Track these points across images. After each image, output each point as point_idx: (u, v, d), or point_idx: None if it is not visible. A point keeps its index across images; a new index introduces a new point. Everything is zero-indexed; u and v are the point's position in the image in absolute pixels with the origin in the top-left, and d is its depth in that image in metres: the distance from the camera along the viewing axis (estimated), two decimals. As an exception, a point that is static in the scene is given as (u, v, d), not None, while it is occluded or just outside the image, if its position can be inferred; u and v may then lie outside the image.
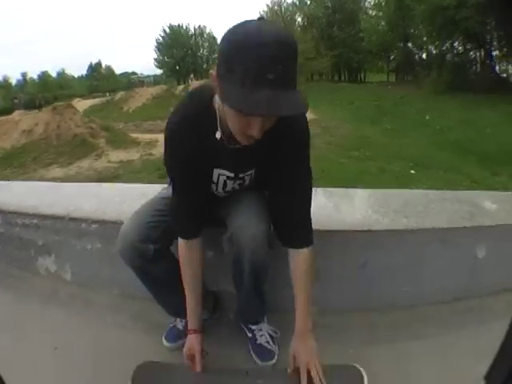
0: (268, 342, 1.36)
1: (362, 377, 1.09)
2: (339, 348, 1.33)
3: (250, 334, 1.39)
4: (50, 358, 1.30)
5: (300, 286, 1.20)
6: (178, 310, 1.36)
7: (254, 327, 1.39)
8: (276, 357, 1.34)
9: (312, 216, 1.21)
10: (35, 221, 1.64)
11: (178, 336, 1.40)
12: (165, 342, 1.40)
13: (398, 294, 1.52)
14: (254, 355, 1.36)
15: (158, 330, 1.44)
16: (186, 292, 1.21)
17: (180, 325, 1.43)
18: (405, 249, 1.47)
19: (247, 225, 1.12)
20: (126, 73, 70.55)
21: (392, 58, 32.19)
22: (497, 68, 22.18)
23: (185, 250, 1.18)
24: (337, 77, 38.75)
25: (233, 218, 1.16)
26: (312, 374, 1.09)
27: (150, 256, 1.20)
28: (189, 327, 1.24)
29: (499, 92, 16.59)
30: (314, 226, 1.30)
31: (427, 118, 15.28)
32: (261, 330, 1.38)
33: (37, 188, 2.06)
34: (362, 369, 1.11)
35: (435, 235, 1.47)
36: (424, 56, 28.96)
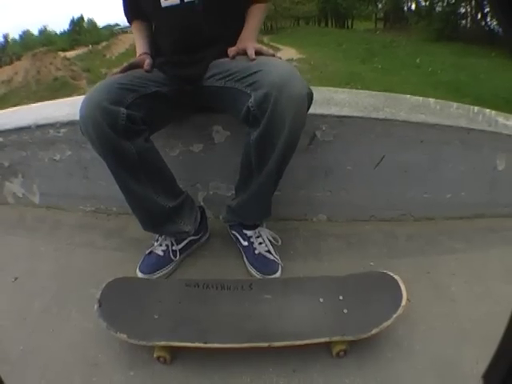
0: (269, 251, 1.16)
1: (398, 285, 0.95)
2: (357, 261, 1.18)
3: (245, 243, 1.19)
4: (9, 290, 1.13)
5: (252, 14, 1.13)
6: (157, 221, 1.13)
7: (250, 233, 1.19)
8: (280, 268, 1.14)
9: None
10: (0, 139, 1.45)
11: (156, 265, 1.16)
12: (139, 274, 1.14)
13: (416, 202, 1.37)
14: (252, 268, 1.15)
15: (132, 246, 1.25)
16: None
17: (160, 249, 1.18)
18: (424, 145, 1.28)
19: (289, 82, 0.89)
20: (108, 25, 67.18)
21: (380, 6, 31.19)
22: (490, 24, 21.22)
23: None
24: (324, 23, 37.45)
25: (263, 76, 0.91)
26: (249, 52, 0.98)
27: (122, 125, 0.93)
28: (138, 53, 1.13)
29: (491, 45, 16.11)
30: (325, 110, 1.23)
31: (418, 61, 14.98)
32: (259, 236, 1.19)
33: (9, 112, 1.82)
34: (397, 277, 0.96)
35: (455, 133, 1.29)
36: (413, 7, 28.41)
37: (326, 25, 36.76)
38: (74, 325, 0.99)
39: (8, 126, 1.44)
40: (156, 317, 0.94)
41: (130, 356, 0.91)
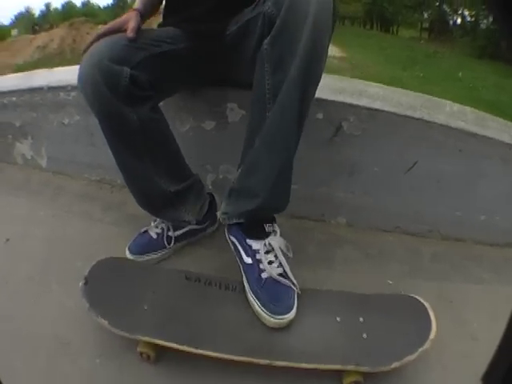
0: (283, 275, 0.86)
1: (427, 315, 0.83)
2: (375, 276, 1.07)
3: (248, 260, 0.89)
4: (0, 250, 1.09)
5: None
6: (155, 204, 1.02)
7: (257, 245, 0.88)
8: (296, 304, 0.84)
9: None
10: (14, 98, 1.43)
11: (146, 247, 1.06)
12: (127, 253, 1.05)
13: (446, 219, 1.23)
14: (255, 300, 0.84)
15: (130, 222, 1.16)
16: None
17: (154, 231, 1.08)
18: (462, 155, 1.14)
19: None
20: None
21: (426, 16, 30.66)
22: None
23: None
24: (369, 26, 36.80)
25: None
26: None
27: (124, 86, 0.81)
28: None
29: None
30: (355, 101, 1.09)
31: (460, 75, 14.49)
32: (270, 251, 0.88)
33: (27, 75, 1.80)
34: (427, 305, 0.84)
35: (496, 148, 1.15)
36: (458, 21, 28.07)
37: (371, 28, 36.17)
38: (54, 298, 0.92)
39: (22, 87, 1.42)
40: (145, 308, 0.85)
41: (104, 344, 0.83)
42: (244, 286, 0.88)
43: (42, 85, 1.37)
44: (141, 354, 0.81)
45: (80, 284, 0.85)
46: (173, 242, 1.07)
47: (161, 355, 0.81)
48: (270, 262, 0.87)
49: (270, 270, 0.85)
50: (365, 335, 0.80)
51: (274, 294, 0.84)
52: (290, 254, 0.91)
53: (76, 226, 1.18)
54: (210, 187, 1.25)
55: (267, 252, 0.88)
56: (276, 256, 0.87)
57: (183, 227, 1.09)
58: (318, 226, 1.25)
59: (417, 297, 0.87)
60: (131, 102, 0.84)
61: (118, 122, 0.85)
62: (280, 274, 0.86)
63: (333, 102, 1.11)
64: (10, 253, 1.07)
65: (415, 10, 31.05)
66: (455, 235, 1.24)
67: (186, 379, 0.80)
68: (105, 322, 0.80)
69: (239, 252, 0.91)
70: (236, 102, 1.13)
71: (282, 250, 0.88)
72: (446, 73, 14.45)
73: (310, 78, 0.77)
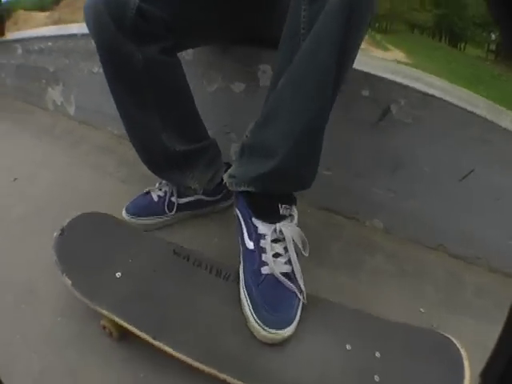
0: (290, 275, 0.69)
1: (461, 363, 0.67)
2: (405, 300, 0.92)
3: (250, 245, 0.72)
4: (3, 188, 1.09)
5: None
6: (157, 163, 0.91)
7: (265, 228, 0.70)
8: (298, 317, 0.68)
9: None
10: (50, 43, 1.45)
11: (144, 209, 0.97)
12: (124, 213, 0.96)
13: (498, 247, 1.02)
14: (247, 302, 0.69)
15: (141, 182, 1.08)
16: None
17: (156, 193, 0.98)
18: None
19: None
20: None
21: (494, 37, 28.99)
22: None
23: None
24: (437, 38, 35.60)
25: None
26: None
27: (130, 18, 0.71)
28: None
29: None
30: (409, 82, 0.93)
31: (525, 102, 13.47)
32: (279, 240, 0.70)
33: (67, 26, 1.82)
34: (463, 352, 0.68)
35: None
36: None
37: (440, 40, 35.14)
38: (37, 243, 0.86)
39: (57, 33, 1.45)
40: (118, 275, 0.74)
41: (70, 304, 0.75)
42: (239, 277, 0.73)
43: (75, 32, 1.37)
44: (103, 327, 0.72)
45: (55, 234, 0.78)
46: (175, 209, 0.96)
47: (126, 335, 0.70)
48: (277, 255, 0.69)
49: (274, 266, 0.68)
50: (377, 378, 0.62)
51: (273, 298, 0.67)
52: (306, 253, 0.71)
53: (86, 176, 1.14)
54: (233, 159, 1.13)
55: (275, 241, 0.70)
56: (286, 249, 0.69)
57: (190, 195, 0.97)
58: (349, 225, 1.11)
59: (452, 339, 0.71)
60: (137, 39, 0.73)
61: (121, 60, 0.75)
62: (285, 274, 0.68)
63: (382, 79, 0.95)
64: (13, 192, 1.05)
65: (483, 28, 29.58)
66: (506, 269, 1.03)
67: (149, 368, 0.70)
68: (68, 282, 0.71)
69: (242, 231, 0.74)
70: (269, 63, 1.00)
71: (295, 243, 0.70)
72: (511, 97, 13.58)
73: (354, 13, 0.60)
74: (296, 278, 0.69)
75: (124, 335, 0.70)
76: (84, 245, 0.79)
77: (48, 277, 0.79)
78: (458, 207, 1.02)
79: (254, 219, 0.72)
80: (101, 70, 1.22)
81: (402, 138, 0.98)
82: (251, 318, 0.66)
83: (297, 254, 0.71)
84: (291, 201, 0.75)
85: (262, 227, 0.71)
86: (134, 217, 0.96)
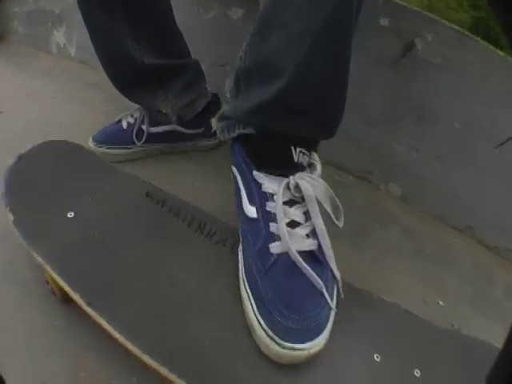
0: (316, 254, 0.47)
1: None
2: (422, 289, 0.73)
3: (249, 208, 0.51)
4: None
5: None
6: (124, 78, 0.79)
7: (272, 183, 0.49)
8: (330, 322, 0.46)
9: None
10: None
11: (110, 137, 0.85)
12: (90, 141, 0.84)
13: None
14: (250, 300, 0.47)
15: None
16: None
17: (126, 120, 0.85)
18: None
19: None
20: None
21: None
22: None
23: None
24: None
25: None
26: None
27: None
28: None
29: None
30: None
31: None
32: (294, 189, 0.48)
33: None
34: None
35: None
36: None
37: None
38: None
39: None
40: (70, 216, 0.60)
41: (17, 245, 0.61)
42: (238, 252, 0.54)
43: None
44: (47, 282, 0.58)
45: (9, 162, 0.66)
46: (144, 139, 0.83)
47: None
48: (294, 224, 0.47)
49: (290, 241, 0.44)
50: None
51: (290, 292, 0.44)
52: (340, 222, 0.49)
53: (70, 110, 1.07)
54: (228, 95, 0.99)
55: (291, 203, 0.48)
56: (307, 214, 0.47)
57: (163, 124, 0.84)
58: (359, 187, 0.93)
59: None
60: None
61: None
62: (309, 254, 0.46)
63: (406, 7, 0.78)
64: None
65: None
66: None
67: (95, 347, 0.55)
68: (10, 217, 0.58)
69: (239, 196, 0.53)
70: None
71: (321, 206, 0.47)
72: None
73: None
74: (326, 260, 0.46)
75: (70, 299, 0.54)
76: (40, 176, 0.67)
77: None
78: (492, 182, 0.83)
79: (255, 172, 0.50)
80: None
81: (429, 81, 0.80)
82: (256, 324, 0.44)
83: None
84: (310, 145, 0.52)
85: (269, 183, 0.49)
86: (98, 145, 0.84)
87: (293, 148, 0.49)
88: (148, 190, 0.65)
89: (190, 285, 0.51)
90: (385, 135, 0.87)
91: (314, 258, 0.46)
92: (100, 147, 0.83)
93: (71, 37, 1.34)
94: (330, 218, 0.49)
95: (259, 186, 0.49)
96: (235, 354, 0.45)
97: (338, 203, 0.49)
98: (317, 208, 0.46)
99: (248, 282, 0.48)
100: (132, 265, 0.54)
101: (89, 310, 0.48)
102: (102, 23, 0.72)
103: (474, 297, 0.77)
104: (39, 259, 0.54)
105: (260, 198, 0.49)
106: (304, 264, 0.43)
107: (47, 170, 0.68)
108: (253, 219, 0.49)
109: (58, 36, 1.39)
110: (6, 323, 0.57)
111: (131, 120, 0.85)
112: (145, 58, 0.75)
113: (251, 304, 0.46)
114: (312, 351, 0.41)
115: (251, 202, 0.50)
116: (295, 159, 0.49)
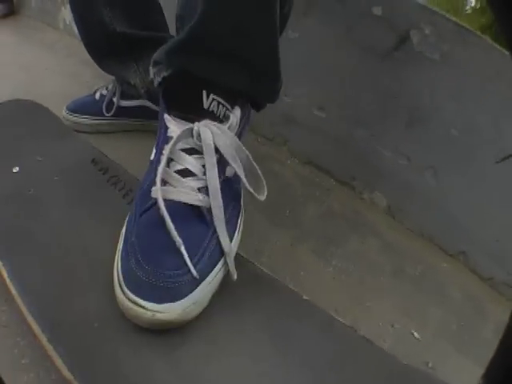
0: (201, 210, 0.43)
1: None
2: (396, 317, 0.63)
3: (152, 153, 0.49)
4: None
5: None
6: (96, 38, 0.77)
7: (173, 123, 0.46)
8: (203, 290, 0.40)
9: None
10: None
11: (81, 107, 0.84)
12: (63, 110, 0.84)
13: None
14: (119, 250, 0.44)
15: None
16: None
17: (100, 92, 0.85)
18: None
19: None
20: None
21: None
22: None
23: None
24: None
25: None
26: None
27: None
28: None
29: None
30: None
31: None
32: (196, 137, 0.43)
33: None
34: None
35: None
36: None
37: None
38: None
39: None
40: (14, 171, 0.60)
41: None
42: None
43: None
44: None
45: None
46: (113, 111, 0.82)
47: None
48: (185, 173, 0.43)
49: (158, 186, 0.40)
50: None
51: (156, 244, 0.40)
52: (261, 194, 0.45)
53: (60, 82, 1.09)
54: None
55: (190, 151, 0.44)
56: (204, 168, 0.43)
57: (133, 98, 0.83)
58: (340, 192, 0.84)
59: None
60: None
61: None
62: (197, 211, 0.42)
63: None
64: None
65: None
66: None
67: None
68: None
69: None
70: None
71: (228, 165, 0.44)
72: None
73: None
74: (213, 223, 0.42)
75: None
76: None
77: None
78: (492, 202, 0.72)
79: (165, 115, 0.47)
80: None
81: (424, 78, 0.71)
82: (115, 266, 0.42)
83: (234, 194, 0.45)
84: (229, 95, 0.48)
85: (174, 126, 0.45)
86: (69, 113, 0.84)
87: (204, 92, 0.45)
88: (94, 157, 0.64)
89: (101, 255, 0.47)
90: (372, 137, 0.78)
91: (201, 216, 0.42)
92: (70, 115, 0.84)
93: None
94: (252, 195, 0.41)
95: (166, 129, 0.46)
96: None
97: (258, 171, 0.44)
98: (213, 160, 0.42)
99: (126, 222, 0.46)
100: (52, 225, 0.52)
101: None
102: None
103: (458, 333, 0.67)
104: None
105: (162, 141, 0.46)
106: (166, 213, 0.39)
107: (4, 127, 0.69)
108: (151, 161, 0.48)
109: (65, 13, 1.39)
110: None
111: (104, 92, 0.84)
112: (117, 26, 0.74)
113: (119, 244, 0.44)
114: (157, 316, 0.36)
115: (156, 145, 0.48)
116: (205, 106, 0.45)
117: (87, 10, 0.74)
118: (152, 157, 0.48)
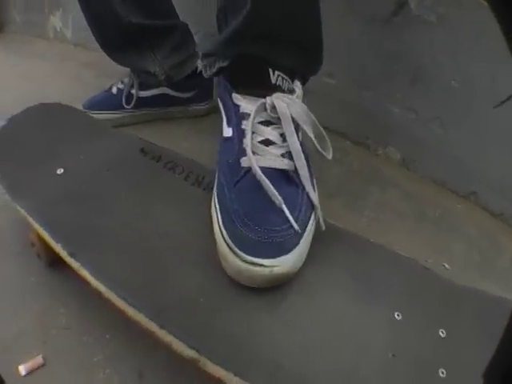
0: (288, 173, 0.46)
1: None
2: (426, 253, 0.69)
3: (227, 130, 0.52)
4: None
5: None
6: (112, 39, 0.80)
7: (248, 103, 0.49)
8: (305, 242, 0.44)
9: None
10: None
11: (99, 104, 0.86)
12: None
13: None
14: (216, 208, 0.47)
15: None
16: None
17: (116, 87, 0.87)
18: None
19: None
20: None
21: None
22: None
23: None
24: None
25: None
26: None
27: None
28: None
29: None
30: None
31: None
32: (270, 109, 0.47)
33: None
34: None
35: None
36: None
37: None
38: None
39: None
40: (59, 172, 0.57)
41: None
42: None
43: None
44: (32, 244, 0.56)
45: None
46: (133, 103, 0.84)
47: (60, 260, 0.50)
48: (268, 143, 0.46)
49: (251, 155, 0.43)
50: (443, 372, 0.38)
51: (259, 207, 0.43)
52: (328, 153, 0.48)
53: (63, 86, 1.08)
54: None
55: (267, 123, 0.47)
56: (283, 136, 0.46)
57: (152, 87, 0.84)
58: (358, 152, 0.90)
59: None
60: None
61: None
62: (282, 173, 0.45)
63: None
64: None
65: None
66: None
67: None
68: None
69: (222, 125, 0.54)
70: None
71: (301, 129, 0.47)
72: None
73: None
74: (301, 182, 0.45)
75: (58, 261, 0.52)
76: (29, 136, 0.65)
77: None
78: (494, 144, 0.79)
79: (234, 95, 0.50)
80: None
81: (423, 40, 0.78)
82: (219, 236, 0.44)
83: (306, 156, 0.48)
84: (290, 71, 0.53)
85: (245, 103, 0.49)
86: (88, 111, 0.84)
87: (270, 70, 0.49)
88: (143, 146, 0.63)
89: (182, 236, 0.48)
90: (380, 97, 0.85)
91: (289, 178, 0.46)
92: (88, 112, 0.84)
93: (67, 19, 1.37)
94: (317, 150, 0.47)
95: (237, 107, 0.50)
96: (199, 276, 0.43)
97: (323, 132, 0.48)
98: (292, 128, 0.46)
99: (217, 195, 0.48)
100: (120, 216, 0.51)
101: (71, 261, 0.45)
102: None
103: (481, 262, 0.74)
104: (22, 212, 0.52)
105: (237, 118, 0.49)
106: (264, 178, 0.42)
107: (37, 131, 0.66)
108: (228, 138, 0.51)
109: (55, 20, 1.41)
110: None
111: (121, 86, 0.86)
112: (132, 18, 0.76)
113: (217, 215, 0.46)
114: (275, 270, 0.39)
115: (229, 124, 0.51)
116: (273, 81, 0.49)
117: (100, 6, 0.76)
118: (229, 134, 0.51)
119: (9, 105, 0.90)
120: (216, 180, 0.51)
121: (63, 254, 0.46)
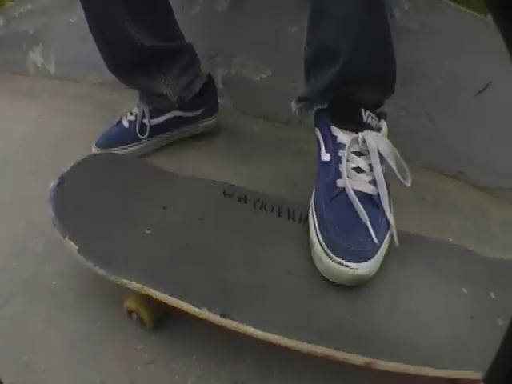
0: (372, 198, 0.56)
1: None
2: (433, 231, 0.76)
3: (325, 155, 0.62)
4: None
5: None
6: (122, 61, 0.81)
7: (344, 136, 0.60)
8: (381, 253, 0.54)
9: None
10: (29, 6, 1.35)
11: (113, 139, 0.86)
12: (93, 148, 0.86)
13: None
14: (314, 219, 0.57)
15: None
16: None
17: (126, 120, 0.87)
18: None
19: None
20: None
21: None
22: None
23: None
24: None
25: None
26: None
27: None
28: None
29: None
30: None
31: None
32: (361, 143, 0.58)
33: None
34: None
35: None
36: None
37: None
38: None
39: None
40: (147, 232, 0.54)
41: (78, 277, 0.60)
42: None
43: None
44: (129, 313, 0.53)
45: (51, 185, 0.59)
46: (147, 133, 0.85)
47: (163, 321, 0.53)
48: (358, 170, 0.57)
49: (346, 178, 0.55)
50: (500, 321, 0.48)
51: (348, 220, 0.53)
52: (407, 181, 0.57)
53: (60, 123, 1.03)
54: (221, 86, 1.03)
55: (358, 154, 0.58)
56: (371, 166, 0.57)
57: (164, 113, 0.86)
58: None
59: None
60: None
61: None
62: (366, 196, 0.55)
63: None
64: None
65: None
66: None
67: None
68: (74, 247, 0.52)
69: (319, 149, 0.63)
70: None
71: (385, 161, 0.57)
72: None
73: None
74: (382, 206, 0.55)
75: (161, 322, 0.54)
76: (90, 195, 0.61)
77: (40, 242, 0.65)
78: (477, 128, 0.90)
79: (332, 127, 0.61)
80: (79, 19, 1.17)
81: (409, 46, 0.87)
82: (315, 240, 0.54)
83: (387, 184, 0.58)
84: (377, 106, 0.66)
85: (342, 136, 0.60)
86: (103, 149, 0.85)
87: (363, 110, 0.60)
88: (224, 189, 0.63)
89: (305, 271, 0.53)
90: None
91: (372, 201, 0.56)
92: (102, 151, 0.85)
93: (48, 54, 1.34)
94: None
95: (335, 138, 0.61)
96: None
97: (403, 163, 0.58)
98: (377, 159, 0.57)
99: (315, 207, 0.58)
100: (242, 264, 0.52)
101: (224, 320, 0.46)
102: (98, 5, 0.75)
103: (476, 232, 0.85)
104: (132, 283, 0.49)
105: (334, 146, 0.60)
106: (354, 197, 0.53)
107: (96, 188, 0.63)
108: (326, 162, 0.61)
109: (35, 56, 1.37)
110: (42, 336, 0.55)
111: (131, 117, 0.86)
112: (145, 41, 0.78)
113: (314, 223, 0.56)
114: (357, 272, 0.49)
115: (327, 151, 0.62)
116: (364, 119, 0.60)
117: (114, 32, 0.77)
118: (327, 159, 0.61)
119: (17, 151, 0.91)
120: (313, 194, 0.61)
121: (209, 315, 0.46)
